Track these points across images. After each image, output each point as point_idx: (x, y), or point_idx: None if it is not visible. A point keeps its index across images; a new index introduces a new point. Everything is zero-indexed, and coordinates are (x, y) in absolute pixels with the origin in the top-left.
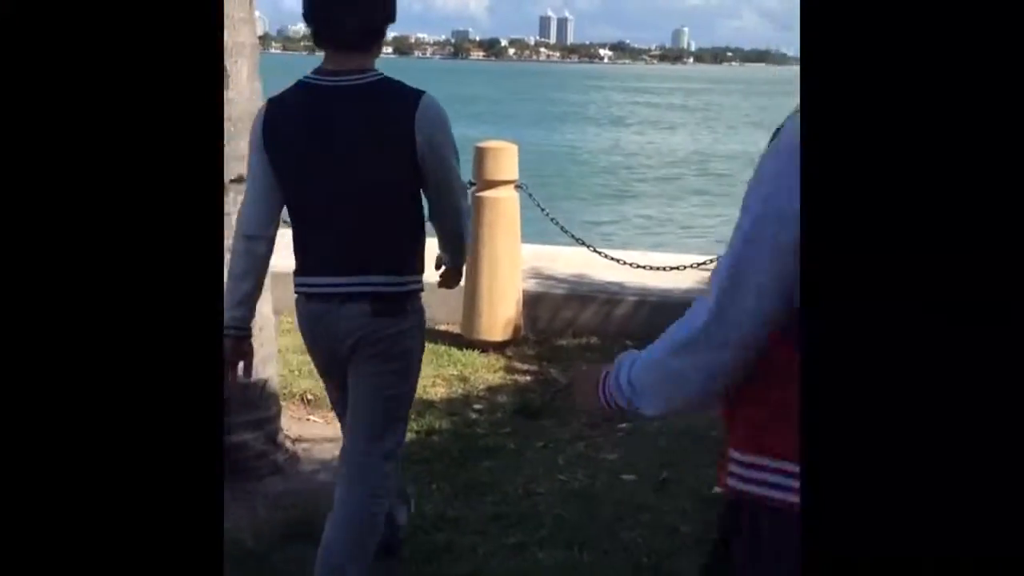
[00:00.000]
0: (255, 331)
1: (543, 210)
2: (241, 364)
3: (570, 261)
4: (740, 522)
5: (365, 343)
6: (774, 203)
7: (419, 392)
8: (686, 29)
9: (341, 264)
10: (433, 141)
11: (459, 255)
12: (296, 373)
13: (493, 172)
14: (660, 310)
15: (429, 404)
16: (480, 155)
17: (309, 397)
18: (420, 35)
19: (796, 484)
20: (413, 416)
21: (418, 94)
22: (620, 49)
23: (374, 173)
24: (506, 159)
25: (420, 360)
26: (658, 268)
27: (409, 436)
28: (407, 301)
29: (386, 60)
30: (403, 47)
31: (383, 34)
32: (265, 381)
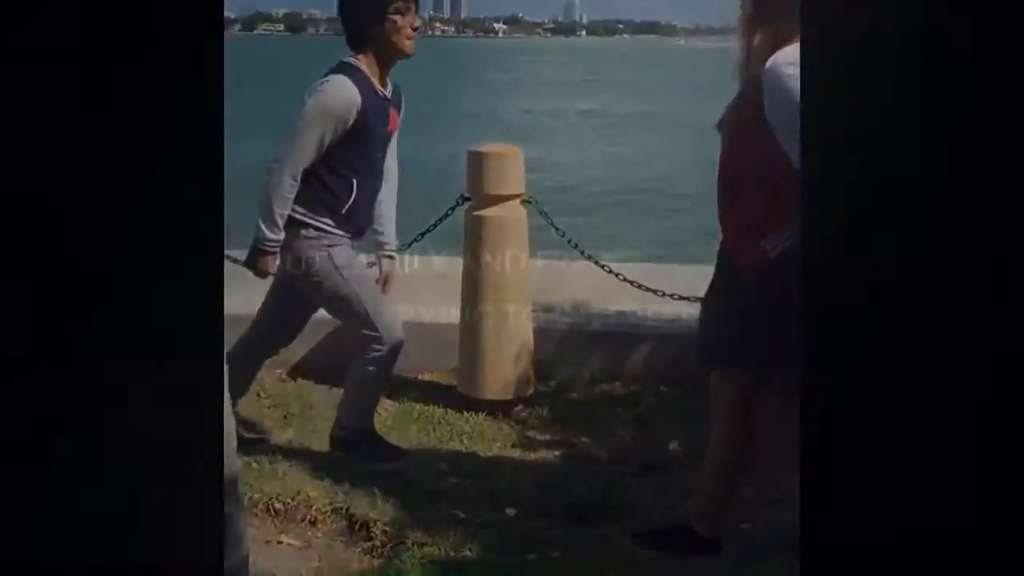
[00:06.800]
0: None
1: (558, 230)
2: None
3: (571, 281)
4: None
5: None
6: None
7: (422, 481)
8: (577, 1)
9: None
10: None
11: None
12: (255, 470)
13: (497, 185)
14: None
15: (440, 502)
16: (476, 163)
17: (276, 506)
18: (312, 11)
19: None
20: (423, 535)
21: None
22: (514, 23)
23: None
24: (511, 167)
25: None
26: (687, 297)
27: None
28: None
29: (279, 37)
30: (295, 24)
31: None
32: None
